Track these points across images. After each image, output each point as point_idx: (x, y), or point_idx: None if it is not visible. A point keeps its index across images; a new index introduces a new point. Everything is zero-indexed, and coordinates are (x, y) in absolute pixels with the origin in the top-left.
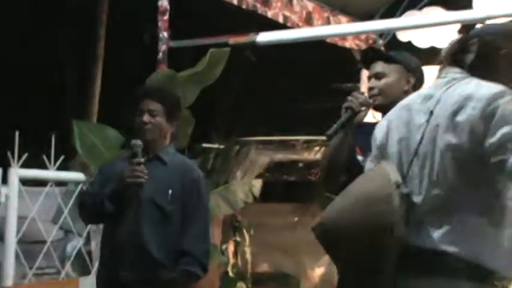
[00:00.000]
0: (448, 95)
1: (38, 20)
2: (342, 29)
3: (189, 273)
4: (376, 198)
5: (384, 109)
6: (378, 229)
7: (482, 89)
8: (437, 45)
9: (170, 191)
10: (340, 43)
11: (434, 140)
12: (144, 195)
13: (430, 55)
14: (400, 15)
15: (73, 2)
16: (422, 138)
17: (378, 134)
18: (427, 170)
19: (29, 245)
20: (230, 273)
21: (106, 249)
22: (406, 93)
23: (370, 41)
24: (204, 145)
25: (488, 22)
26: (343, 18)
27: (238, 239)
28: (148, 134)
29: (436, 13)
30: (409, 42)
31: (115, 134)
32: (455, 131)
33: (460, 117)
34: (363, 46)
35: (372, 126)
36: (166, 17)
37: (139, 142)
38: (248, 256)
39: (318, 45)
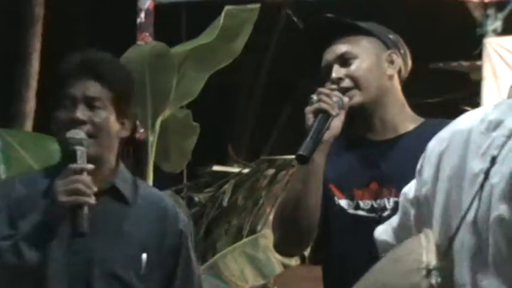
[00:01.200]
0: None
1: None
2: None
3: None
4: None
5: (364, 112)
6: None
7: None
8: None
9: (144, 256)
10: None
11: (489, 205)
12: (98, 264)
13: None
14: None
15: None
16: (475, 198)
17: (427, 164)
18: (481, 251)
19: None
20: None
21: None
22: (391, 79)
23: None
24: (216, 168)
25: None
26: None
27: None
28: (89, 145)
29: None
30: None
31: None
32: None
33: None
34: None
35: (352, 145)
36: None
37: (81, 134)
38: None
39: None
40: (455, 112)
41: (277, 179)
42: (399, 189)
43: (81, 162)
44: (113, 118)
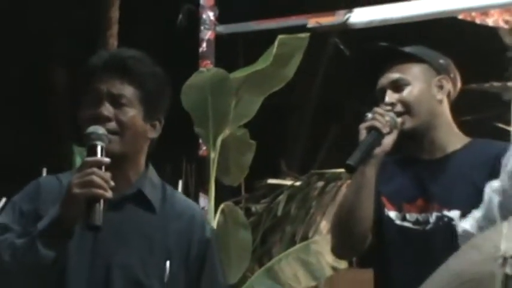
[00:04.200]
0: None
1: None
2: None
3: None
4: (472, 281)
5: (416, 135)
6: None
7: None
8: None
9: (168, 264)
10: (479, 20)
11: None
12: (119, 269)
13: None
14: None
15: None
16: None
17: None
18: None
19: None
20: None
21: None
22: (441, 104)
23: None
24: (271, 181)
25: None
26: None
27: None
28: (112, 141)
29: None
30: None
31: None
32: None
33: None
34: None
35: (404, 163)
36: None
37: (101, 130)
38: None
39: (445, 25)
40: (487, 129)
41: (326, 191)
42: (442, 205)
43: (100, 157)
44: (140, 117)
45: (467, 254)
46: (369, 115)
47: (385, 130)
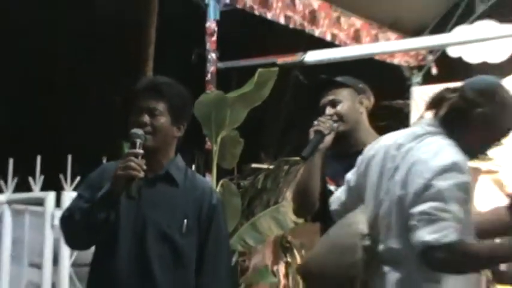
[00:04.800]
0: (414, 151)
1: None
2: (391, 46)
3: None
4: (343, 248)
5: (346, 135)
6: (342, 280)
7: (434, 159)
8: (490, 61)
9: (185, 221)
10: (389, 60)
11: (393, 194)
12: (151, 225)
13: (482, 71)
14: (451, 30)
15: (120, 21)
16: (388, 190)
17: (363, 162)
18: (386, 222)
19: (83, 268)
20: None
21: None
22: (362, 114)
23: (420, 57)
24: (254, 165)
25: None
26: (391, 35)
27: (289, 260)
28: (148, 139)
29: (488, 27)
30: (460, 58)
31: None
32: (404, 188)
33: (410, 182)
34: (413, 63)
35: (340, 155)
36: (214, 38)
37: (140, 131)
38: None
39: (367, 62)
40: (393, 131)
41: (290, 172)
42: None
43: (137, 150)
44: (168, 123)
45: (340, 231)
46: (316, 122)
47: (326, 132)
